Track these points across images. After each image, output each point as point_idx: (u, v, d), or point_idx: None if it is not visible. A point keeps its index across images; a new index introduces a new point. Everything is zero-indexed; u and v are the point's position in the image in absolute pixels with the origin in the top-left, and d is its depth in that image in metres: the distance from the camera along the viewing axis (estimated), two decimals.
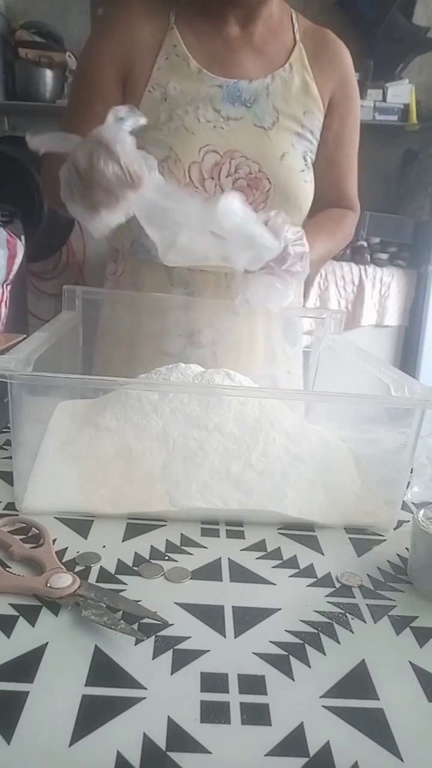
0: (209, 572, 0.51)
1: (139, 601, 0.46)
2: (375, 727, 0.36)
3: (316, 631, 0.45)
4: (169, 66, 0.85)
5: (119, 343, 0.95)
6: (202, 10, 0.86)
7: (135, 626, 0.43)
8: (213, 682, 0.39)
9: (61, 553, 0.52)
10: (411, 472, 0.67)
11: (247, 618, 0.45)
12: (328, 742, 0.35)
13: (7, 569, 0.49)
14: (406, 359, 2.61)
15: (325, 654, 0.42)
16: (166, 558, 0.53)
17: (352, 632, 0.45)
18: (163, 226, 0.68)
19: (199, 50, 0.86)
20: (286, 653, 0.42)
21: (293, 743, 0.35)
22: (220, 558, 0.53)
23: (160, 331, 0.92)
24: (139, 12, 0.86)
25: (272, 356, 0.97)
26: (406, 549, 0.56)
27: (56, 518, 0.57)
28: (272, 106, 0.87)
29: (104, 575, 0.49)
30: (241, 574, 0.51)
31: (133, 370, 0.79)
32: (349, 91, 0.94)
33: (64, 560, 0.51)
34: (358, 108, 0.96)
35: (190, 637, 0.43)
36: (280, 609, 0.47)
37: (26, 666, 0.39)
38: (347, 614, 0.47)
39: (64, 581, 0.46)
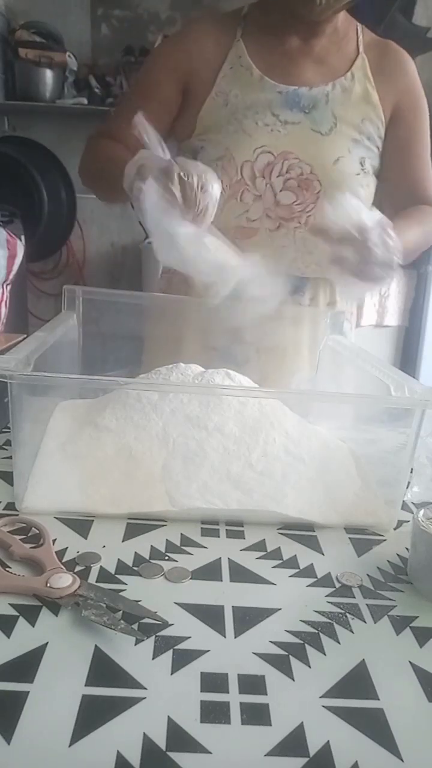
0: (209, 572, 0.51)
1: (139, 601, 0.46)
2: (375, 727, 0.36)
3: (316, 631, 0.45)
4: (232, 75, 0.90)
5: (168, 338, 0.97)
6: (267, 25, 0.91)
7: (135, 626, 0.43)
8: (213, 682, 0.39)
9: (61, 553, 0.52)
10: (411, 472, 0.67)
11: (247, 618, 0.45)
12: (328, 742, 0.35)
13: (7, 569, 0.49)
14: (406, 359, 2.61)
15: (325, 654, 0.42)
16: (166, 558, 0.53)
17: (352, 632, 0.45)
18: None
19: (262, 60, 0.90)
20: (286, 653, 0.42)
21: (293, 743, 0.35)
22: (220, 558, 0.53)
23: (207, 327, 0.95)
24: (207, 28, 0.93)
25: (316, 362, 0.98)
26: (406, 549, 0.56)
27: (56, 518, 0.57)
28: (331, 113, 0.90)
29: (104, 575, 0.49)
30: (241, 574, 0.51)
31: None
32: (415, 98, 0.96)
33: (64, 560, 0.51)
34: (427, 113, 0.97)
35: (190, 637, 0.43)
36: (280, 609, 0.47)
37: (26, 666, 0.39)
38: (347, 614, 0.47)
39: (64, 581, 0.46)
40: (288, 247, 0.92)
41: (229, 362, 0.95)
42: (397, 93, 0.94)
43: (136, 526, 0.57)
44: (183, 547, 0.55)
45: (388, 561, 0.55)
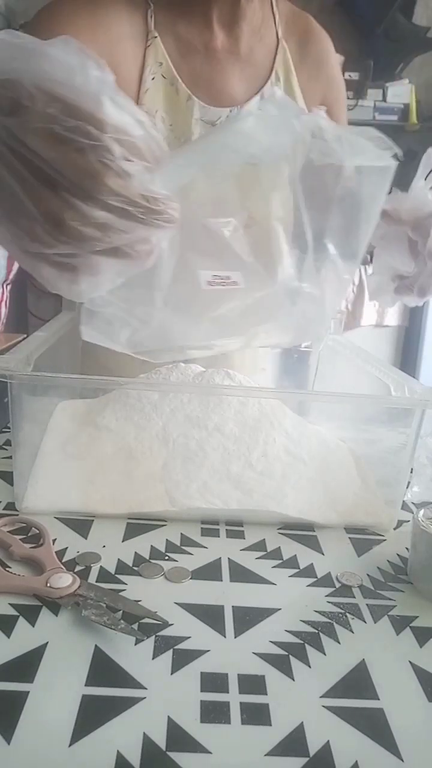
0: (209, 572, 0.51)
1: (139, 601, 0.46)
2: (375, 727, 0.36)
3: (316, 631, 0.45)
4: (155, 88, 0.69)
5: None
6: (183, 12, 0.70)
7: (135, 626, 0.43)
8: (213, 682, 0.39)
9: (61, 553, 0.52)
10: (411, 472, 0.67)
11: (247, 618, 0.45)
12: (328, 742, 0.35)
13: (7, 569, 0.49)
14: (406, 359, 2.61)
15: (325, 654, 0.42)
16: (166, 558, 0.53)
17: (352, 632, 0.45)
18: None
19: (184, 69, 0.71)
20: (286, 653, 0.42)
21: (293, 743, 0.35)
22: (220, 558, 0.53)
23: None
24: (118, 9, 0.67)
25: None
26: (406, 549, 0.56)
27: (56, 518, 0.57)
28: None
29: (104, 575, 0.49)
30: (241, 574, 0.51)
31: None
32: (337, 87, 0.83)
33: (64, 560, 0.51)
34: (345, 97, 0.86)
35: (190, 637, 0.43)
36: (280, 609, 0.47)
37: (26, 666, 0.39)
38: (347, 614, 0.47)
39: (64, 581, 0.45)
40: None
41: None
42: (322, 86, 0.80)
43: (136, 526, 0.57)
44: (183, 547, 0.55)
45: (388, 561, 0.55)
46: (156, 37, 0.68)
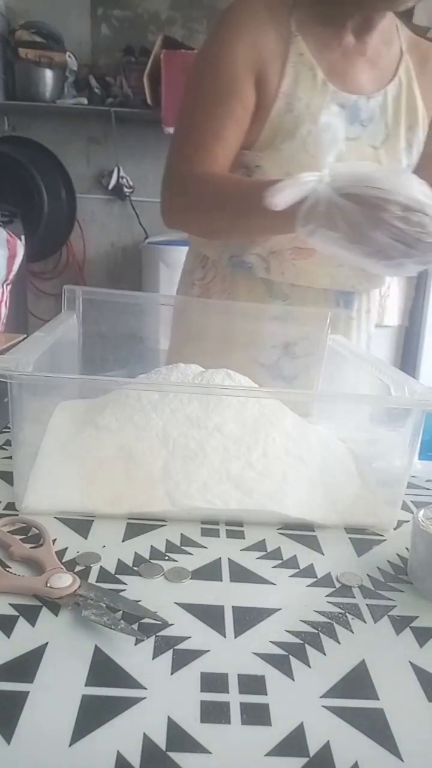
0: (209, 572, 0.51)
1: (139, 601, 0.46)
2: (375, 727, 0.36)
3: (316, 631, 0.45)
4: (295, 75, 0.82)
5: (207, 350, 0.94)
6: (323, 18, 0.83)
7: (135, 626, 0.43)
8: (213, 682, 0.39)
9: (61, 553, 0.52)
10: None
11: (247, 618, 0.45)
12: (328, 742, 0.35)
13: (7, 569, 0.49)
14: (406, 359, 2.61)
15: (325, 654, 0.42)
16: (166, 558, 0.53)
17: (352, 632, 0.45)
18: None
19: (322, 60, 0.83)
20: (286, 653, 0.42)
21: (293, 743, 0.35)
22: (220, 558, 0.53)
23: (254, 341, 0.92)
24: (263, 16, 0.81)
25: None
26: (406, 549, 0.56)
27: (56, 518, 0.57)
28: (384, 124, 0.87)
29: (104, 575, 0.49)
30: (241, 574, 0.51)
31: None
32: None
33: (64, 560, 0.51)
34: None
35: (190, 637, 0.43)
36: (280, 609, 0.47)
37: (26, 666, 0.39)
38: (347, 614, 0.47)
39: (64, 581, 0.46)
40: (343, 265, 0.90)
41: (276, 377, 0.94)
42: None
43: (136, 526, 0.57)
44: (183, 547, 0.55)
45: (388, 561, 0.55)
46: (297, 35, 0.82)
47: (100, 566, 0.50)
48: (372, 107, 0.86)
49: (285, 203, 0.63)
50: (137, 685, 0.38)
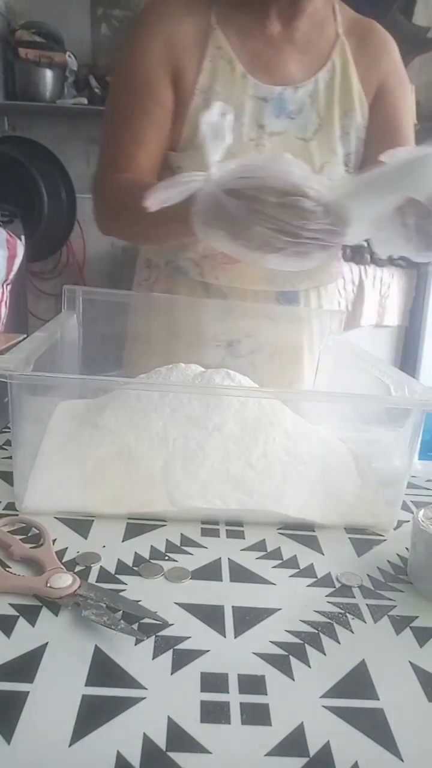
0: (209, 572, 0.51)
1: (139, 601, 0.46)
2: (375, 727, 0.36)
3: (316, 631, 0.45)
4: (212, 70, 0.79)
5: (153, 351, 0.93)
6: (245, 7, 0.81)
7: (135, 626, 0.43)
8: (213, 682, 0.39)
9: (61, 553, 0.52)
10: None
11: (247, 618, 0.45)
12: (328, 742, 0.35)
13: (7, 569, 0.49)
14: (406, 359, 2.61)
15: (325, 654, 0.42)
16: (166, 558, 0.53)
17: (352, 632, 0.45)
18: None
19: (243, 52, 0.81)
20: (286, 653, 0.42)
21: (293, 743, 0.35)
22: (220, 558, 0.53)
23: (197, 341, 0.91)
24: (178, 11, 0.79)
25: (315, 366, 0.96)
26: (406, 549, 0.56)
27: (56, 518, 0.57)
28: (316, 114, 0.84)
29: (104, 575, 0.49)
30: (241, 574, 0.51)
31: None
32: (399, 78, 0.89)
33: (64, 560, 0.51)
34: (411, 94, 0.94)
35: (190, 637, 0.43)
36: (280, 609, 0.47)
37: (26, 666, 0.39)
38: (347, 614, 0.47)
39: (64, 581, 0.46)
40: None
41: (234, 355, 0.93)
42: (380, 74, 0.87)
43: (136, 526, 0.57)
44: (183, 547, 0.55)
45: (388, 561, 0.55)
46: (216, 28, 0.80)
47: (100, 566, 0.50)
48: (301, 97, 0.82)
49: (159, 204, 0.60)
50: (137, 685, 0.38)
